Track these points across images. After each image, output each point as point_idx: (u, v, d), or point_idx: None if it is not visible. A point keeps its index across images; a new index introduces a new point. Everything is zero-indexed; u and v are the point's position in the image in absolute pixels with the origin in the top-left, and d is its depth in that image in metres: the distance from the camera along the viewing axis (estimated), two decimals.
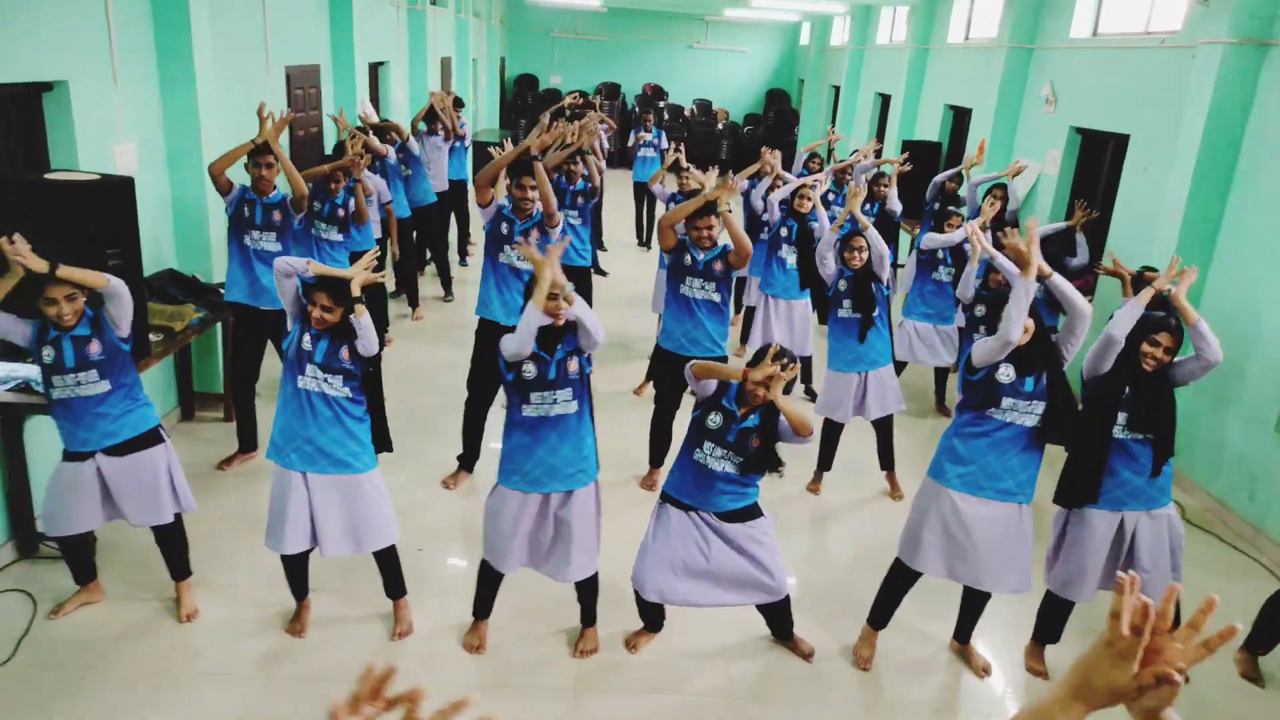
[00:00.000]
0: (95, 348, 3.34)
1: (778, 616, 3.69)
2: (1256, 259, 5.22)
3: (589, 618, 3.69)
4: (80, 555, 3.69)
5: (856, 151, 8.13)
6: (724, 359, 4.72)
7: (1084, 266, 6.01)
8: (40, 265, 3.17)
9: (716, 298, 4.65)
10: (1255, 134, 5.37)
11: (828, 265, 4.88)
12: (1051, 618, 3.74)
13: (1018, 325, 3.18)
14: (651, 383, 6.48)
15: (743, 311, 7.23)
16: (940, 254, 5.93)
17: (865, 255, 4.79)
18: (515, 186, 4.73)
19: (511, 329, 3.23)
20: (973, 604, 3.71)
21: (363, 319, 3.28)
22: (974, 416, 3.37)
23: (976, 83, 9.15)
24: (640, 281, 9.46)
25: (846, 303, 4.85)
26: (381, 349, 3.44)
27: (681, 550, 3.34)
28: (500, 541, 3.42)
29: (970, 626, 3.78)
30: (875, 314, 4.83)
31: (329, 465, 3.37)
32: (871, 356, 4.89)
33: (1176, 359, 3.40)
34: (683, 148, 7.70)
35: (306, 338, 3.32)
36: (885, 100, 12.65)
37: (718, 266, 4.61)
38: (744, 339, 7.16)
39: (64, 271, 3.20)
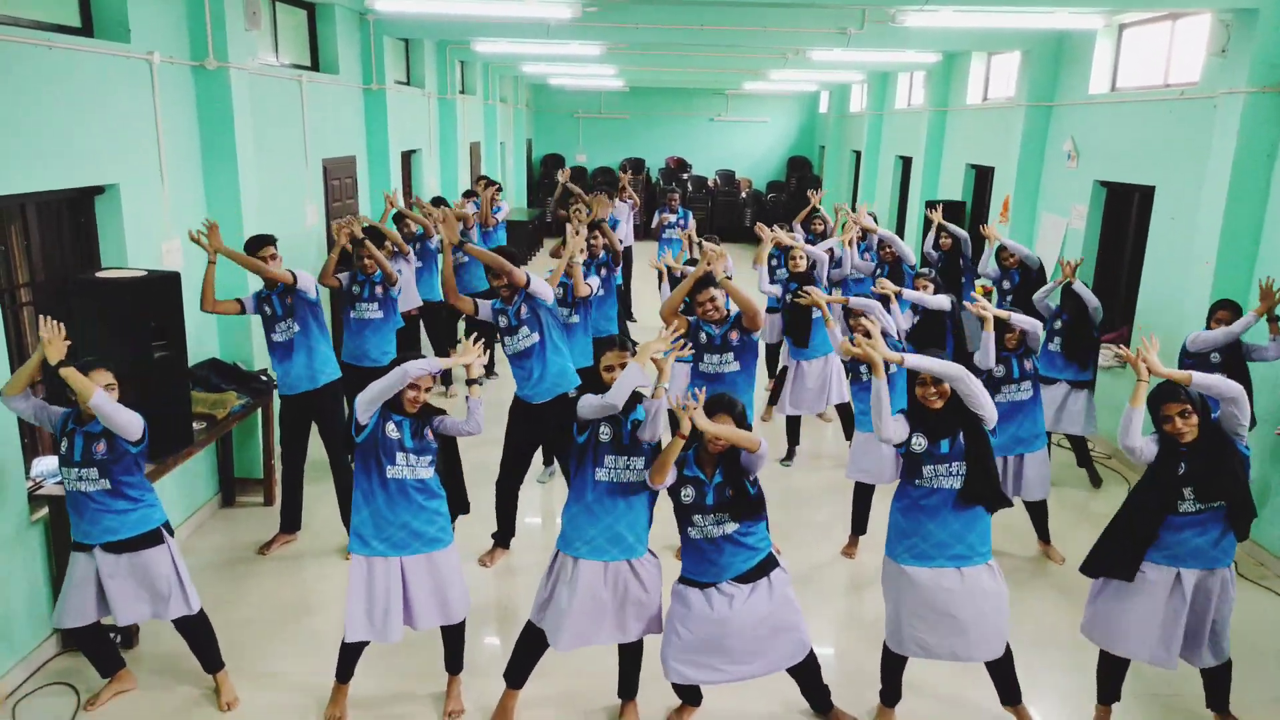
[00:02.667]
0: (101, 447, 3.40)
1: (810, 682, 3.58)
2: None
3: (629, 689, 3.62)
4: (98, 648, 3.69)
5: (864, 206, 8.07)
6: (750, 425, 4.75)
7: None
8: (55, 356, 3.28)
9: (737, 367, 4.65)
10: None
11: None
12: (1107, 674, 3.60)
13: (890, 428, 3.26)
14: None
15: (778, 373, 7.21)
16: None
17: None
18: (492, 275, 4.73)
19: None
20: (996, 666, 3.54)
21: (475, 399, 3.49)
22: (903, 487, 3.39)
23: (997, 141, 9.23)
24: None
25: (864, 367, 4.80)
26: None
27: (705, 630, 3.27)
28: (557, 611, 3.40)
29: (1006, 687, 3.59)
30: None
31: (422, 545, 3.45)
32: None
33: (1215, 414, 3.32)
34: (692, 224, 7.72)
35: (390, 426, 3.37)
36: (906, 162, 12.78)
37: (733, 337, 4.63)
38: (772, 400, 7.13)
39: (64, 371, 3.27)
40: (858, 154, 15.31)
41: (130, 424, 3.35)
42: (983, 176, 10.12)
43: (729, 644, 3.27)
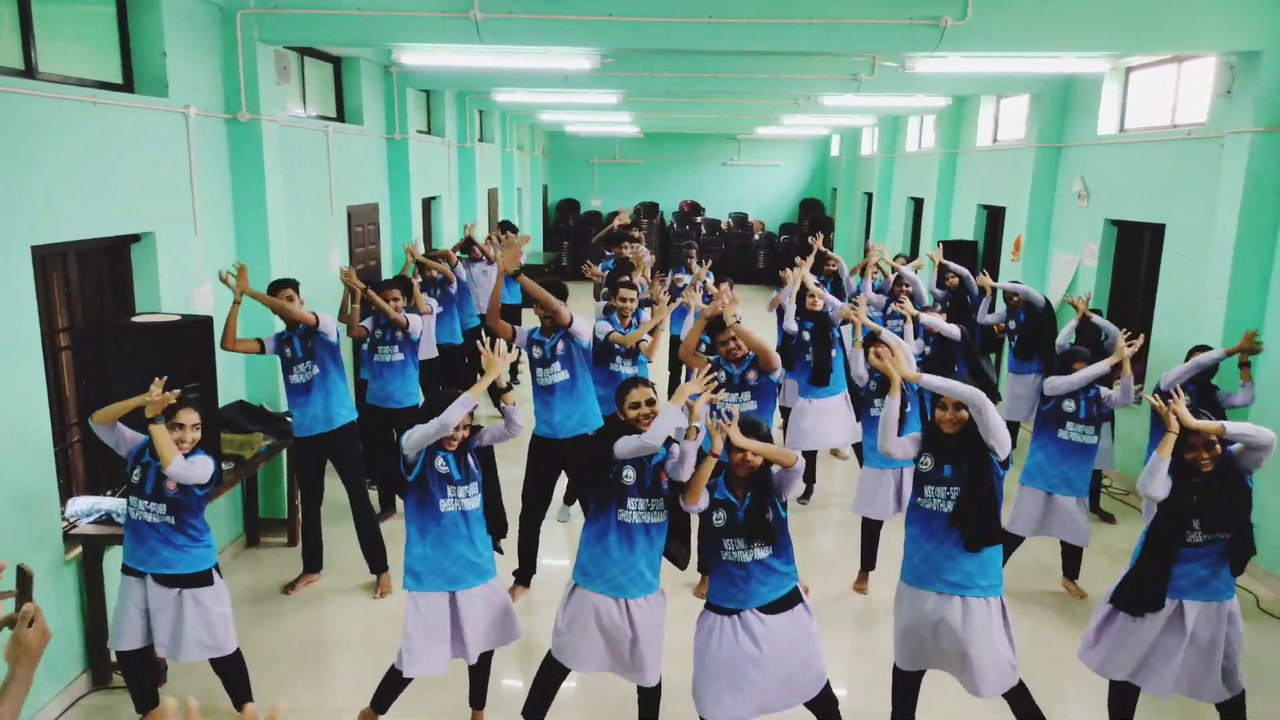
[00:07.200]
0: (173, 486, 3.53)
1: (829, 715, 3.55)
2: None
3: (648, 710, 3.64)
4: (140, 679, 3.76)
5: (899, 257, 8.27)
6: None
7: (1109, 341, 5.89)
8: (153, 412, 3.42)
9: (754, 406, 4.68)
10: None
11: (858, 366, 4.98)
12: (1117, 703, 3.61)
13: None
14: None
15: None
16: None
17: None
18: (538, 309, 4.78)
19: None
20: (1013, 697, 3.51)
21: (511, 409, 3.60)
22: (910, 507, 3.49)
23: (1008, 182, 9.34)
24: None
25: (878, 401, 4.87)
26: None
27: (734, 659, 3.27)
28: (574, 639, 3.47)
29: (1026, 718, 3.56)
30: (907, 410, 4.83)
31: (475, 577, 3.52)
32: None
33: (1232, 448, 3.34)
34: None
35: (440, 460, 3.44)
36: (918, 203, 12.91)
37: (751, 376, 4.69)
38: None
39: (153, 429, 3.42)
40: (869, 195, 15.48)
41: (201, 476, 3.51)
42: (994, 216, 10.22)
43: (754, 675, 3.26)
